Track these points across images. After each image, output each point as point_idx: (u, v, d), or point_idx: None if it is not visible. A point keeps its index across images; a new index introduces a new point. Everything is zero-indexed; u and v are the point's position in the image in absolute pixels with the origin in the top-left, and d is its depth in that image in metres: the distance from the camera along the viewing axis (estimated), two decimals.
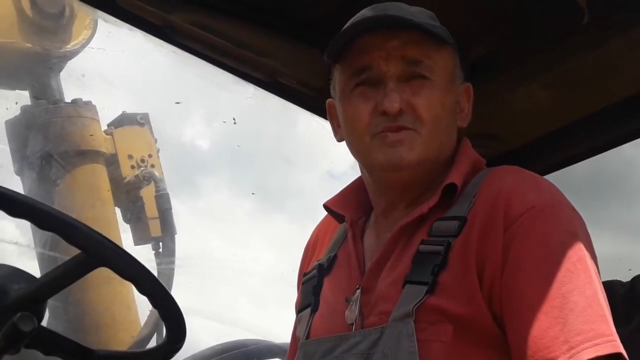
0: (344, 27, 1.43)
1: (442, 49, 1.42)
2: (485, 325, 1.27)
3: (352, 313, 1.38)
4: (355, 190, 1.55)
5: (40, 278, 1.33)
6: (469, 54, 1.91)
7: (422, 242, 1.35)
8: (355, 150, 1.46)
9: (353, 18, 1.45)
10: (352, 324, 1.37)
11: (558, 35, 1.87)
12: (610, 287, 1.81)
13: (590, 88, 1.96)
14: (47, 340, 1.35)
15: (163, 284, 1.41)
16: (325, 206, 1.55)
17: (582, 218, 1.36)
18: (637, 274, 1.82)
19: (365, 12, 1.45)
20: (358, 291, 1.40)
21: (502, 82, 1.91)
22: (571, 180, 2.21)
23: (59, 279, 1.33)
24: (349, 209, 1.53)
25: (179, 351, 1.43)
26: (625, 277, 1.84)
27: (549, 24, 1.84)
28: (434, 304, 1.28)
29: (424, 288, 1.29)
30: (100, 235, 1.32)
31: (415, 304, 1.28)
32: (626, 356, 1.22)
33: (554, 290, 1.23)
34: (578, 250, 1.27)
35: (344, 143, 1.49)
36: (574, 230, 1.30)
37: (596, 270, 1.29)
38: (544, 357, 1.21)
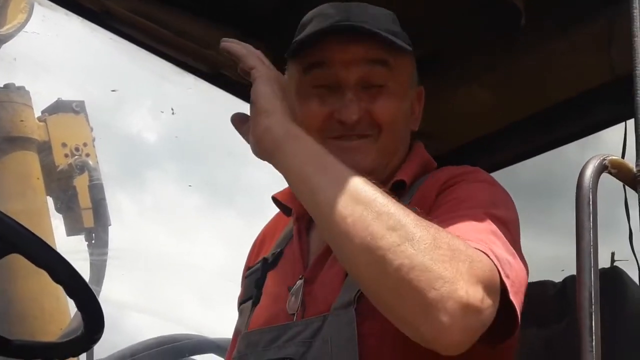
0: (305, 24, 1.42)
1: (403, 55, 1.44)
2: None
3: (293, 303, 1.38)
4: None
5: None
6: None
7: None
8: None
9: (314, 14, 1.43)
10: (294, 314, 1.37)
11: (497, 37, 1.89)
12: (542, 287, 1.85)
13: (530, 89, 2.00)
14: None
15: (94, 275, 1.38)
16: (274, 198, 1.55)
17: (512, 199, 1.37)
18: (569, 274, 1.86)
19: (327, 11, 1.43)
20: (300, 281, 1.40)
21: (443, 83, 1.93)
22: (516, 182, 2.24)
23: None
24: (296, 202, 1.50)
25: (97, 342, 1.40)
26: (558, 277, 1.88)
27: (488, 25, 1.86)
28: None
29: None
30: (12, 220, 1.28)
31: (357, 292, 1.28)
32: (505, 279, 1.16)
33: (465, 220, 1.22)
34: (499, 211, 1.28)
35: None
36: (502, 199, 1.33)
37: (513, 225, 1.29)
38: None
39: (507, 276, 1.17)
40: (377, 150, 1.41)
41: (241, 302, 1.55)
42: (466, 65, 1.94)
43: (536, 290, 1.81)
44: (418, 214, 1.16)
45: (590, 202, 1.09)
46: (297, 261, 1.46)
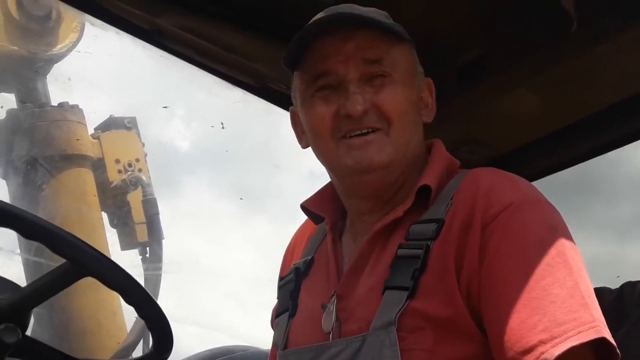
0: (299, 33, 1.40)
1: (399, 45, 1.41)
2: (465, 326, 1.26)
3: (328, 321, 1.36)
4: (331, 191, 1.52)
5: (24, 288, 1.31)
6: (457, 59, 1.91)
7: (400, 247, 1.33)
8: (322, 156, 1.44)
9: (309, 23, 1.42)
10: (329, 332, 1.35)
11: (546, 41, 1.87)
12: (599, 294, 1.80)
13: (578, 93, 1.96)
14: (31, 349, 1.34)
15: (150, 290, 1.40)
16: (303, 207, 1.52)
17: (559, 214, 1.35)
18: (625, 280, 1.82)
19: (318, 15, 1.43)
20: (333, 297, 1.37)
21: (491, 88, 1.90)
22: (556, 184, 2.21)
23: (44, 288, 1.31)
24: (327, 210, 1.50)
25: None
26: (614, 284, 1.84)
27: (537, 29, 1.84)
28: (415, 308, 1.26)
29: (405, 293, 1.27)
30: (86, 244, 1.30)
31: (398, 311, 1.26)
32: (611, 339, 1.21)
33: (532, 283, 1.22)
34: (557, 244, 1.26)
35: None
36: (552, 224, 1.30)
37: (577, 262, 1.27)
38: (523, 347, 1.19)
39: (601, 331, 1.21)
40: (392, 144, 1.37)
41: (277, 314, 1.52)
42: (514, 69, 1.92)
43: None
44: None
45: None
46: (331, 272, 1.43)
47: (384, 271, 1.32)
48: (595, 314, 1.22)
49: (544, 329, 1.19)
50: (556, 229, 1.29)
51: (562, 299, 1.21)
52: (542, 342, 1.18)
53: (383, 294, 1.30)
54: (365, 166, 1.37)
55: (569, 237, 1.30)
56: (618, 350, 1.22)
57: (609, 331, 1.22)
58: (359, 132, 1.37)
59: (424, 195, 1.37)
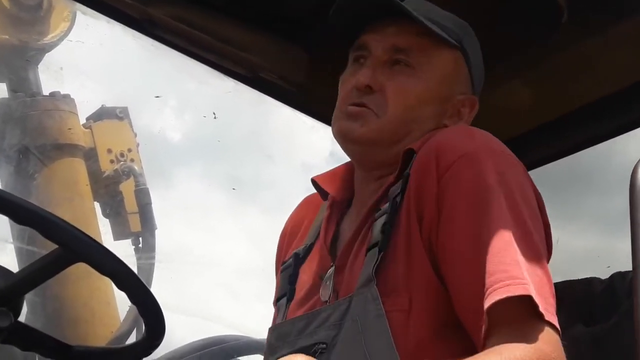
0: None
1: (442, 50, 1.43)
2: (431, 278, 1.27)
3: (326, 290, 1.39)
4: (345, 171, 1.54)
5: (17, 273, 1.32)
6: None
7: (377, 209, 1.36)
8: None
9: None
10: (327, 301, 1.38)
11: (539, 33, 1.87)
12: (589, 284, 1.82)
13: (571, 85, 1.98)
14: (25, 336, 1.35)
15: (142, 279, 1.40)
16: (313, 180, 1.54)
17: (520, 165, 1.35)
18: (615, 271, 1.83)
19: None
20: (331, 269, 1.41)
21: (485, 80, 1.91)
22: (551, 177, 2.22)
23: (36, 274, 1.31)
24: (334, 186, 1.52)
25: (157, 347, 1.43)
26: (604, 274, 1.85)
27: (529, 22, 1.85)
28: (387, 262, 1.29)
29: (377, 248, 1.30)
30: (78, 230, 1.31)
31: (374, 266, 1.28)
32: (537, 301, 1.18)
33: (479, 236, 1.23)
34: (506, 193, 1.26)
35: (319, 135, 1.53)
36: (503, 171, 1.29)
37: (530, 212, 1.27)
38: (477, 304, 1.19)
39: (548, 310, 1.18)
40: (378, 125, 1.39)
41: (277, 299, 1.54)
42: (506, 62, 1.93)
43: (583, 288, 1.78)
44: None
45: None
46: (324, 249, 1.45)
47: (372, 237, 1.35)
48: (526, 274, 1.20)
49: (482, 282, 1.19)
50: (505, 175, 1.29)
51: (496, 250, 1.21)
52: (484, 296, 1.18)
53: (366, 255, 1.33)
54: (344, 135, 1.42)
55: (520, 184, 1.30)
56: (541, 309, 1.20)
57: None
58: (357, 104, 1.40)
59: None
